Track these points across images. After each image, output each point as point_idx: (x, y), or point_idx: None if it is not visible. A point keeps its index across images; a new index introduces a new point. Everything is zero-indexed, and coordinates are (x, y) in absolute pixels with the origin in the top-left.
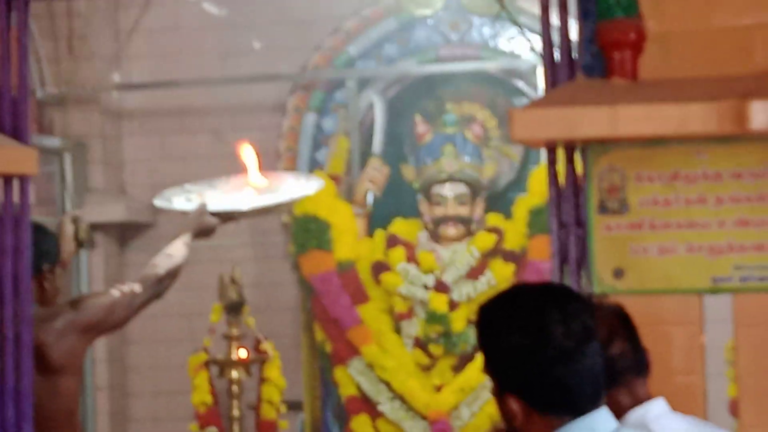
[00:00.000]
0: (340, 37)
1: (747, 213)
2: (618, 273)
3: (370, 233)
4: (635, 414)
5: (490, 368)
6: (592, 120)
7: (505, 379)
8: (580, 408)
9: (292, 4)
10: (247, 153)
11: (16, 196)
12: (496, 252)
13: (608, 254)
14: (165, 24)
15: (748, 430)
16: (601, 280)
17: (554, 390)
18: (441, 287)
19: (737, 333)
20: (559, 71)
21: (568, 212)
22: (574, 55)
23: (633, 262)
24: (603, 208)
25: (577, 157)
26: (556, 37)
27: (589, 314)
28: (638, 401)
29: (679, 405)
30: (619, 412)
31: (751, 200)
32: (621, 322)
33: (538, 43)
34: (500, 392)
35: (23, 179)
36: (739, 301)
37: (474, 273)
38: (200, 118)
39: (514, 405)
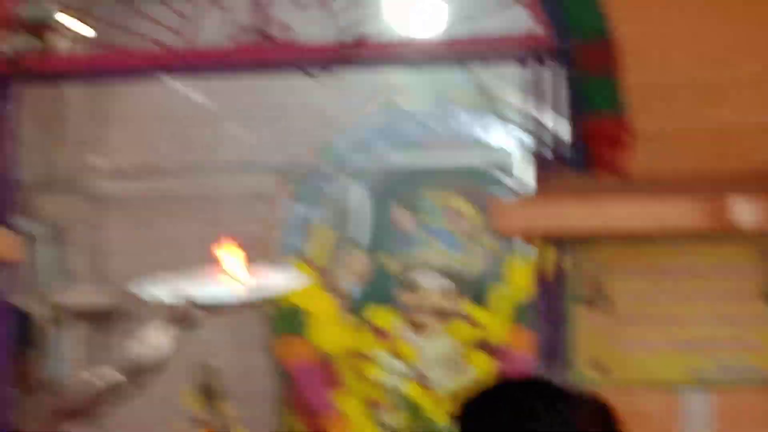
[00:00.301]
0: (329, 130)
1: (730, 309)
2: (597, 365)
3: (350, 322)
4: None
5: None
6: (576, 215)
7: None
8: None
9: (283, 99)
10: (231, 252)
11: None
12: (477, 344)
13: (588, 346)
14: (151, 112)
15: None
16: (579, 373)
17: None
18: (420, 379)
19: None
20: (546, 166)
21: (554, 305)
22: (562, 150)
23: (615, 356)
24: (586, 302)
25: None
26: (543, 133)
27: (572, 409)
28: None
29: None
30: None
31: (734, 297)
32: (603, 419)
33: (521, 136)
34: None
35: (9, 266)
36: (721, 399)
37: (455, 365)
38: (185, 205)
39: None
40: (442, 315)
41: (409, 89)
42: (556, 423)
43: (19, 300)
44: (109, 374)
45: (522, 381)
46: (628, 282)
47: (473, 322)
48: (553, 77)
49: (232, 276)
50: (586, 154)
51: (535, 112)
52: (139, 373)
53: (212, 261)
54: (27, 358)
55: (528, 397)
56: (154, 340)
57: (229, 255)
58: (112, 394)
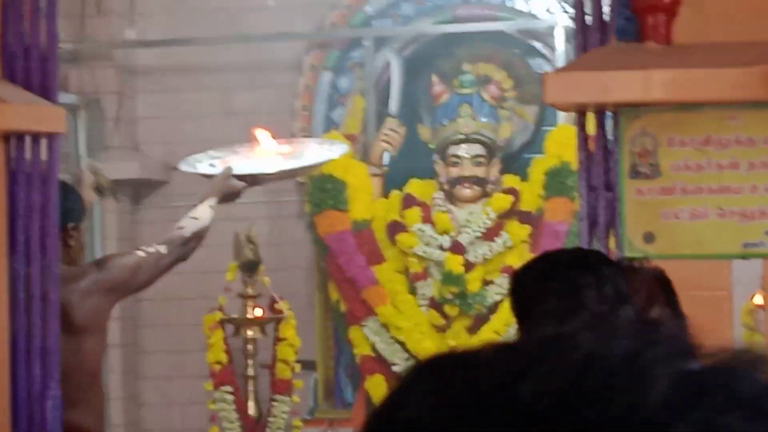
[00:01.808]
0: None
1: None
2: (649, 237)
3: (385, 193)
4: None
5: (524, 335)
6: (624, 84)
7: None
8: None
9: None
10: (262, 137)
11: (44, 154)
12: (512, 213)
13: (639, 218)
14: None
15: None
16: (631, 245)
17: None
18: (457, 248)
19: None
20: (591, 35)
21: (598, 176)
22: (607, 18)
23: (664, 227)
24: (634, 173)
25: (607, 121)
26: (587, 0)
27: (622, 278)
28: None
29: None
30: None
31: None
32: (661, 287)
33: (565, 6)
34: None
35: (51, 138)
36: None
37: (490, 234)
38: (214, 76)
39: None
40: (478, 184)
41: None
42: (603, 286)
43: (65, 173)
44: (152, 248)
45: (570, 251)
46: (677, 152)
47: (509, 192)
48: None
49: (272, 148)
50: (634, 22)
51: None
52: (183, 243)
53: (242, 128)
54: (73, 230)
55: (575, 264)
56: (200, 214)
57: (264, 134)
58: (156, 265)
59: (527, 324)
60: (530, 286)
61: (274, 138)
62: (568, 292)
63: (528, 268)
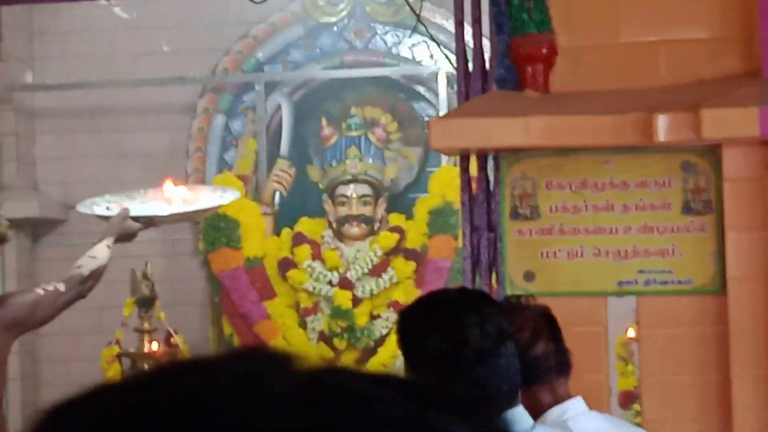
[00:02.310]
0: (249, 41)
1: (651, 220)
2: (529, 276)
3: (277, 231)
4: (555, 412)
5: (412, 369)
6: (505, 130)
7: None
8: (497, 406)
9: (201, 10)
10: (167, 186)
11: None
12: (397, 250)
13: (520, 258)
14: (77, 26)
15: (650, 424)
16: (512, 282)
17: (472, 389)
18: (345, 284)
19: (641, 333)
20: (473, 83)
21: (480, 217)
22: (488, 67)
23: (543, 266)
24: (515, 214)
25: (489, 164)
26: (469, 50)
27: (503, 317)
28: (558, 400)
29: (587, 401)
30: (539, 410)
31: (655, 208)
32: (546, 323)
33: (447, 53)
34: None
35: None
36: (643, 304)
37: (377, 270)
38: (110, 118)
39: None
40: (366, 222)
41: (328, 3)
42: (486, 324)
43: None
44: (51, 286)
45: (454, 290)
46: (555, 194)
47: (395, 230)
48: None
49: (167, 194)
50: (514, 71)
51: (462, 31)
52: (81, 282)
53: (137, 170)
54: None
55: (460, 303)
56: (98, 253)
57: (167, 182)
58: (54, 303)
59: (415, 361)
60: (416, 324)
61: (176, 185)
62: (453, 330)
63: (414, 307)
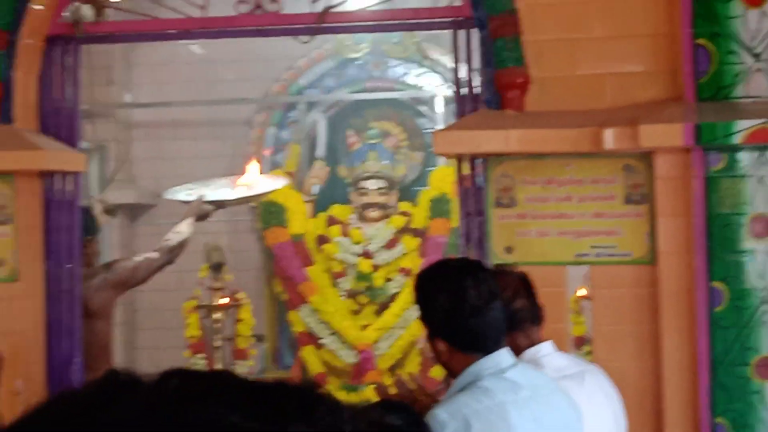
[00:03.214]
0: (293, 72)
1: (600, 208)
2: (508, 250)
3: (314, 215)
4: (530, 352)
5: (424, 319)
6: (491, 140)
7: (434, 327)
8: (488, 348)
9: (257, 47)
10: (251, 167)
11: (69, 187)
12: (406, 230)
13: (501, 236)
14: (164, 59)
15: (600, 361)
16: (495, 255)
17: (469, 335)
18: (366, 254)
19: (594, 293)
20: (466, 104)
21: (471, 205)
22: (477, 92)
23: (519, 242)
24: (498, 203)
25: (478, 166)
26: (463, 79)
27: (494, 281)
28: (533, 343)
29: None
30: (517, 352)
31: (603, 199)
32: (523, 285)
33: (444, 81)
34: (431, 336)
35: (75, 175)
36: (595, 271)
37: (390, 244)
38: (189, 129)
39: (441, 346)
40: (382, 208)
41: (353, 43)
42: (480, 286)
43: (83, 200)
44: (146, 255)
45: (457, 260)
46: (528, 188)
47: (404, 213)
48: (471, 39)
49: (234, 182)
50: (498, 95)
51: (457, 66)
52: (170, 251)
53: (209, 168)
54: (89, 242)
55: (460, 270)
56: (181, 229)
57: (254, 166)
58: (149, 267)
59: (426, 312)
60: (428, 285)
61: (259, 171)
62: (455, 290)
63: (426, 271)
